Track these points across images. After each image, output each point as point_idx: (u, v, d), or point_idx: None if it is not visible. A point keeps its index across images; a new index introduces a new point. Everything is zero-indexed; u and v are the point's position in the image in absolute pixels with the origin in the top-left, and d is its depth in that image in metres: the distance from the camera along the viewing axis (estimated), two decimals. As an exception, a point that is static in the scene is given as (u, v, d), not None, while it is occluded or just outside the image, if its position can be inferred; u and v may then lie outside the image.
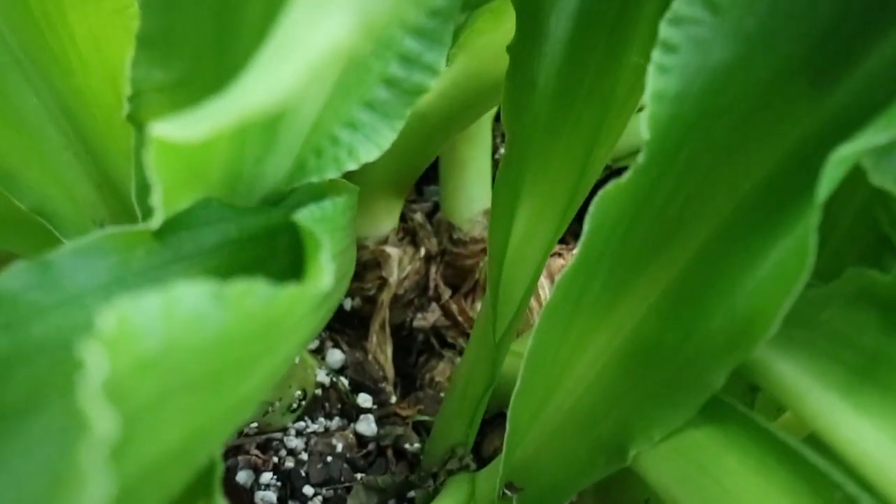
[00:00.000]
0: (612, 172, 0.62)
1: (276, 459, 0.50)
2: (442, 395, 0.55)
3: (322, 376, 0.54)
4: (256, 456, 0.50)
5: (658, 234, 0.29)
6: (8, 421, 0.20)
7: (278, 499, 0.48)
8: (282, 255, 0.28)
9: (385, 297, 0.57)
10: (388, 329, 0.57)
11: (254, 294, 0.20)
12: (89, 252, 0.23)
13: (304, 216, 0.27)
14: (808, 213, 0.22)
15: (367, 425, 0.52)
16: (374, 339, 0.56)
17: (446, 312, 0.58)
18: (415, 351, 0.59)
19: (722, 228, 0.28)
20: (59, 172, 0.35)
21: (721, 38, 0.25)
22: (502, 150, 0.44)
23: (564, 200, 0.38)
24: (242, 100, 0.17)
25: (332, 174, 0.29)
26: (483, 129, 0.58)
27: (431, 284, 0.59)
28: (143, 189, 0.28)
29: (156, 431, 0.19)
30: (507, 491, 0.38)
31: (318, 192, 0.29)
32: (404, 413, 0.54)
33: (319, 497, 0.48)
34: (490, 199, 0.45)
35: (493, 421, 0.52)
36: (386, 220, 0.58)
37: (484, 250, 0.58)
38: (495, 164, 0.61)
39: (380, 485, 0.48)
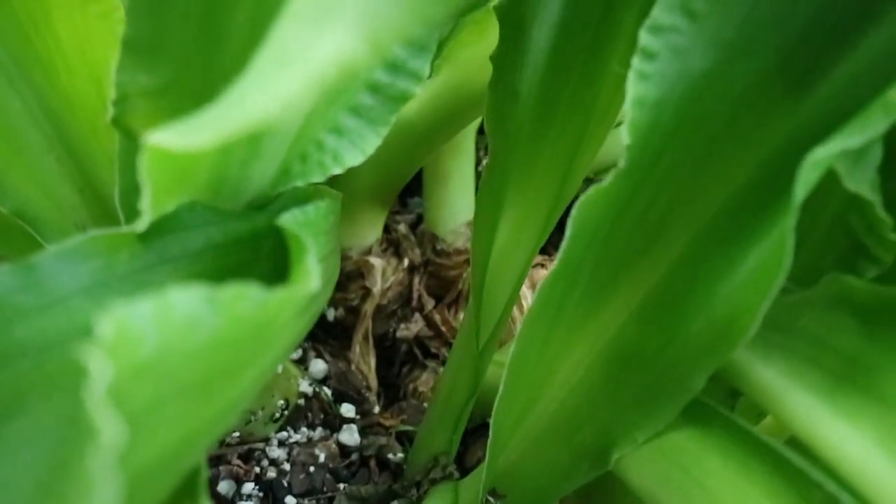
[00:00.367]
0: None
1: (258, 469, 0.49)
2: (425, 405, 0.55)
3: (305, 386, 0.53)
4: (238, 466, 0.49)
5: (639, 239, 0.29)
6: (-9, 422, 0.20)
7: (260, 509, 0.48)
8: (265, 259, 0.28)
9: (368, 307, 0.57)
10: (371, 339, 0.57)
11: (246, 297, 0.20)
12: (73, 255, 0.23)
13: (288, 220, 0.27)
14: (785, 215, 0.23)
15: (349, 435, 0.52)
16: (357, 349, 0.56)
17: (429, 323, 0.58)
18: (398, 361, 0.59)
19: (701, 233, 0.28)
20: (41, 176, 0.35)
21: (700, 46, 0.25)
22: (486, 162, 0.45)
23: (547, 209, 0.38)
24: (243, 109, 0.16)
25: (317, 179, 0.29)
26: (467, 141, 0.58)
27: (415, 295, 0.59)
28: (128, 192, 0.28)
29: (151, 436, 0.19)
30: (490, 498, 0.38)
31: (303, 197, 0.30)
32: (387, 423, 0.53)
33: (302, 507, 0.48)
34: (473, 211, 0.45)
35: (477, 431, 0.52)
36: (370, 231, 0.58)
37: (467, 261, 0.58)
38: (479, 176, 0.62)
39: (363, 495, 0.48)
